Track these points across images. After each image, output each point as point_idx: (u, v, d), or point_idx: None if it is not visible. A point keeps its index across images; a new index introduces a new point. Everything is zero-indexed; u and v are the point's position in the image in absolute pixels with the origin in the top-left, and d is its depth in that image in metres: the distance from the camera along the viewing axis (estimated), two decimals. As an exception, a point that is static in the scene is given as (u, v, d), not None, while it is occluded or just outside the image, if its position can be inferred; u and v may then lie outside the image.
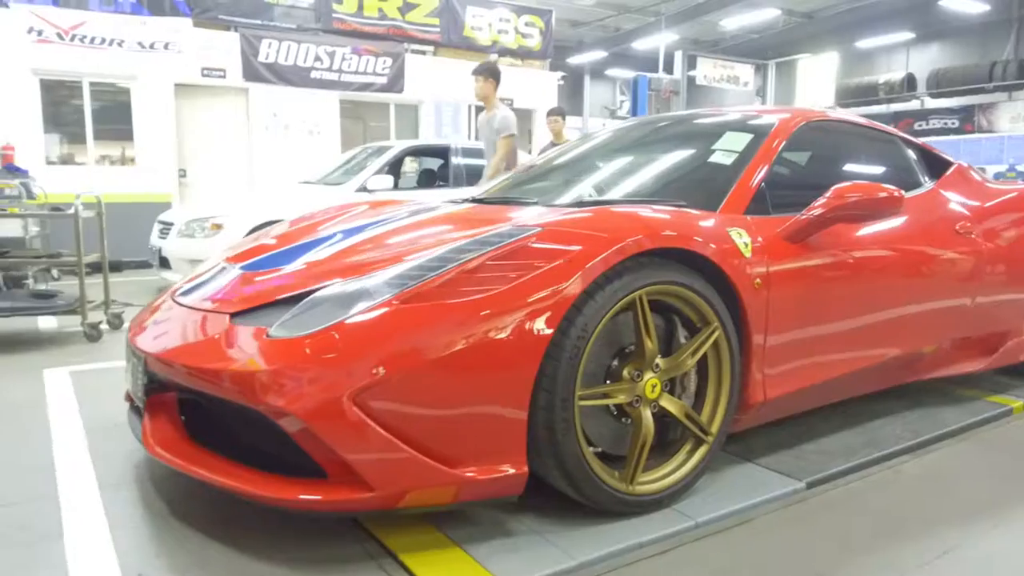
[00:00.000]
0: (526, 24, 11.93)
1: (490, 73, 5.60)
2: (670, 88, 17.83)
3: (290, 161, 9.67)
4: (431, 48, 11.26)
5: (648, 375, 2.02)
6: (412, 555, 1.79)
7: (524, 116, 12.33)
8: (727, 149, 2.65)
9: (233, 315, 1.94)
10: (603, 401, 1.96)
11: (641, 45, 20.10)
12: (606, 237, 1.89)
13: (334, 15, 10.22)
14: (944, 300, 2.80)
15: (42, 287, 5.91)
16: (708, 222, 2.18)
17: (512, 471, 1.79)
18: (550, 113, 7.25)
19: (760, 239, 2.23)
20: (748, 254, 2.16)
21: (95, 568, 1.74)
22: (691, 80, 19.03)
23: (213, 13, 9.46)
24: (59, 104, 8.92)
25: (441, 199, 3.14)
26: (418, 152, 8.06)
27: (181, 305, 2.17)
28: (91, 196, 7.55)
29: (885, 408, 2.98)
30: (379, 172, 6.77)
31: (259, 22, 9.70)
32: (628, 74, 20.68)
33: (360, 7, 10.39)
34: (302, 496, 1.70)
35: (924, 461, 2.49)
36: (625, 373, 2.00)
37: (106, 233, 4.97)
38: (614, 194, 2.67)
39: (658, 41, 18.57)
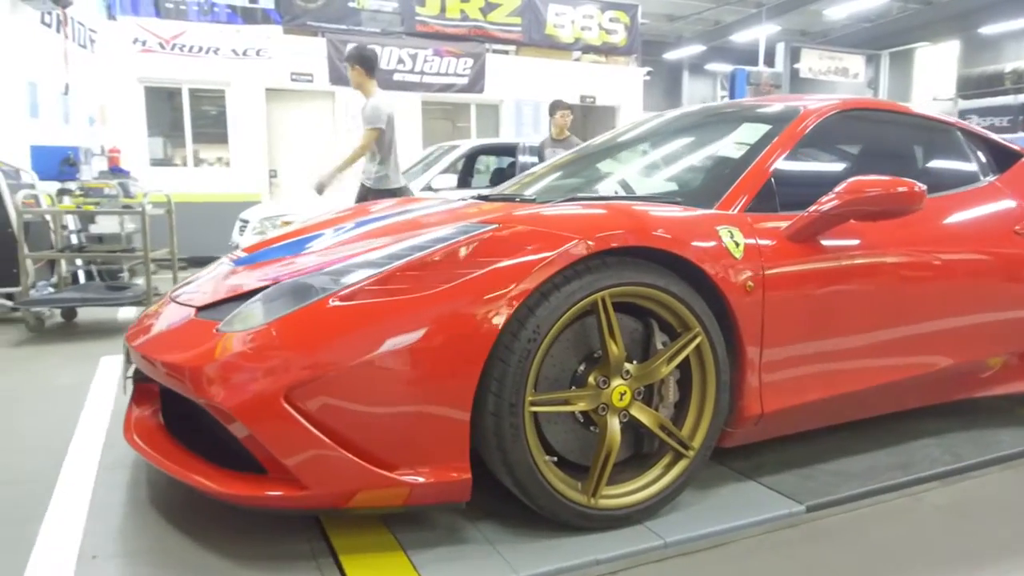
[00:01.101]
0: (610, 20, 11.72)
1: (357, 60, 4.88)
2: (770, 82, 17.07)
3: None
4: (512, 48, 11.27)
5: (616, 382, 1.89)
6: (352, 556, 1.76)
7: (608, 113, 12.14)
8: (740, 142, 2.46)
9: (199, 309, 1.98)
10: (562, 408, 1.85)
11: (741, 38, 19.34)
12: (561, 235, 1.78)
13: (417, 18, 10.42)
14: (997, 309, 2.48)
15: (131, 280, 6.34)
16: (693, 220, 2.03)
17: (454, 477, 1.72)
18: (557, 107, 6.52)
19: (758, 239, 2.05)
20: (738, 255, 1.99)
21: (56, 549, 1.81)
22: (795, 73, 18.13)
23: (302, 20, 9.86)
24: (161, 109, 9.56)
25: (458, 197, 3.10)
26: (485, 151, 8.06)
27: (172, 300, 2.23)
28: (192, 195, 8.03)
29: (933, 427, 2.69)
30: (444, 171, 6.83)
31: (345, 27, 10.02)
32: (728, 68, 19.94)
33: (442, 9, 10.54)
34: (240, 492, 1.70)
35: (954, 490, 2.21)
36: (591, 379, 1.89)
37: (177, 230, 5.29)
38: (611, 190, 2.54)
39: (759, 33, 17.79)
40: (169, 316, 2.08)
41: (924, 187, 2.06)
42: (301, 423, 1.62)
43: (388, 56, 10.19)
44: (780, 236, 2.10)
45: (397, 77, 10.29)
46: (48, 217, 5.41)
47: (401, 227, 2.25)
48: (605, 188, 2.62)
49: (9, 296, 4.95)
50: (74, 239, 6.37)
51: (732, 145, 2.47)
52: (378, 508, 1.81)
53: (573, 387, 1.90)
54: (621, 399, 1.89)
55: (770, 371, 2.08)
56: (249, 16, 9.63)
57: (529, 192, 2.89)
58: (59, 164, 6.08)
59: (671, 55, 22.44)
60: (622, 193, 2.54)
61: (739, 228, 2.04)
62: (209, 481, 1.73)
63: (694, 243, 1.92)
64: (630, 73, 12.11)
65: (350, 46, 5.17)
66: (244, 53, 9.53)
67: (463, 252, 1.76)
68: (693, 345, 1.94)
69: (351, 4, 10.01)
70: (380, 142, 4.87)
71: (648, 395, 1.99)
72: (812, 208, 2.09)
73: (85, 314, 5.09)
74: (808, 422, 2.29)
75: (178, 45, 9.18)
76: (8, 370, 3.70)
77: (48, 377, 3.52)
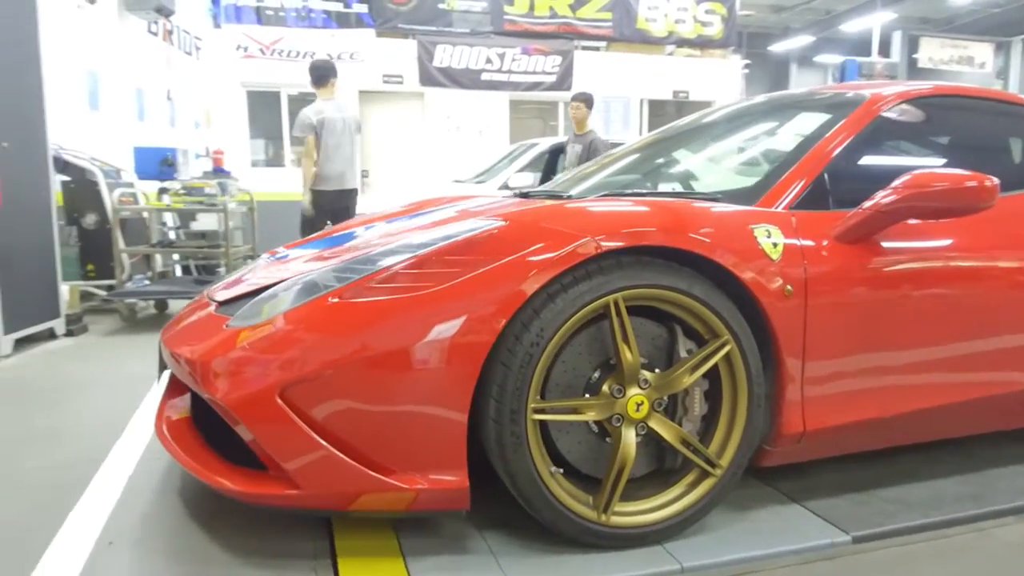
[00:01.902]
0: (706, 12, 11.31)
1: (313, 70, 5.40)
2: (884, 73, 15.99)
3: (461, 160, 10.03)
4: (603, 43, 11.08)
5: (632, 391, 1.76)
6: (350, 559, 1.73)
7: (702, 109, 11.73)
8: (796, 134, 2.26)
9: (219, 304, 2.00)
10: (570, 417, 1.74)
11: (853, 27, 18.20)
12: (569, 233, 1.67)
13: (505, 17, 10.42)
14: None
15: (225, 275, 6.66)
16: (723, 217, 1.86)
17: (452, 484, 1.65)
18: (572, 99, 6.29)
19: (800, 239, 1.86)
20: (776, 256, 1.81)
21: (79, 533, 1.87)
22: (913, 63, 16.89)
23: (394, 23, 10.08)
24: (262, 112, 10.03)
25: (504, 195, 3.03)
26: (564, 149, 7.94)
27: (207, 294, 2.28)
28: (289, 194, 8.34)
29: (1014, 454, 2.38)
30: (521, 169, 6.79)
31: (435, 28, 10.16)
32: (839, 60, 18.84)
33: (531, 7, 10.51)
34: (240, 487, 1.69)
35: (1034, 528, 1.94)
36: (605, 387, 1.77)
37: (258, 227, 5.52)
38: (652, 186, 2.39)
39: (873, 22, 16.69)
40: (197, 310, 2.12)
41: (996, 182, 1.80)
42: (294, 421, 1.59)
43: (476, 56, 10.26)
44: (828, 236, 1.90)
45: (485, 77, 10.34)
46: (145, 214, 5.76)
47: (427, 226, 2.20)
48: (648, 184, 2.47)
49: (109, 288, 5.30)
50: (172, 235, 6.78)
51: (786, 137, 2.26)
52: (381, 512, 1.77)
53: (587, 395, 1.79)
54: (638, 410, 1.76)
55: (814, 385, 1.88)
56: (344, 21, 9.95)
57: (576, 189, 2.77)
58: (158, 164, 6.46)
59: (777, 47, 21.42)
60: (665, 189, 2.38)
61: (779, 227, 1.86)
62: (213, 474, 1.74)
63: (721, 242, 1.76)
64: (726, 66, 11.64)
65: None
66: (338, 57, 9.83)
67: (465, 250, 1.69)
68: (721, 354, 1.78)
69: (441, 5, 10.14)
70: (318, 148, 5.13)
71: (672, 407, 1.85)
72: (866, 204, 1.87)
73: (177, 306, 5.38)
74: (861, 443, 2.07)
75: (277, 50, 9.60)
76: (91, 357, 3.95)
77: (124, 365, 3.72)
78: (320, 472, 1.62)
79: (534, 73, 10.51)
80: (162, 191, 6.42)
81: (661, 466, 1.88)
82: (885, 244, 1.93)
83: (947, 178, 1.83)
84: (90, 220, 5.39)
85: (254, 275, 2.22)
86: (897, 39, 16.46)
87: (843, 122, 2.14)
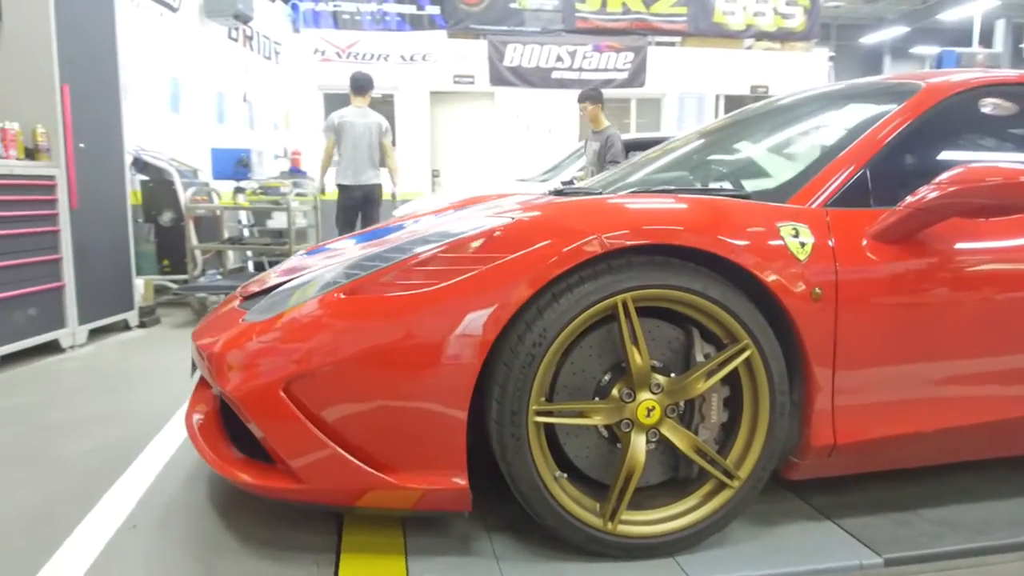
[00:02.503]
0: (787, 3, 10.87)
1: (353, 80, 6.00)
2: (985, 64, 14.94)
3: (530, 159, 10.02)
4: (677, 39, 10.82)
5: (643, 396, 1.69)
6: (352, 555, 1.73)
7: (782, 105, 11.27)
8: (840, 126, 2.12)
9: (244, 298, 2.05)
10: (576, 421, 1.68)
11: (951, 16, 17.11)
12: (577, 231, 1.62)
13: (577, 15, 10.34)
14: None
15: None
16: (745, 213, 1.76)
17: (451, 485, 1.62)
18: (578, 100, 6.19)
19: (833, 238, 1.74)
20: (803, 256, 1.70)
21: (110, 513, 1.96)
22: (1018, 53, 15.74)
23: (465, 23, 10.16)
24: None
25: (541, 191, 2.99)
26: (633, 146, 7.80)
27: (240, 291, 2.34)
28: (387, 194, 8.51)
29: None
30: (584, 167, 6.70)
31: (506, 28, 10.19)
32: (936, 51, 17.76)
33: (603, 4, 10.38)
34: (247, 479, 1.73)
35: (1099, 561, 1.74)
36: (615, 391, 1.70)
37: (321, 225, 5.67)
38: (691, 183, 2.29)
39: (973, 10, 15.65)
40: (226, 306, 2.18)
41: (1055, 176, 1.63)
42: (295, 414, 1.61)
43: (546, 55, 10.22)
44: (864, 235, 1.77)
45: (555, 75, 10.29)
46: (217, 212, 6.02)
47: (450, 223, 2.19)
48: (689, 181, 2.37)
49: (183, 282, 5.57)
50: (247, 232, 7.06)
51: (830, 131, 2.13)
52: (388, 510, 1.76)
53: (596, 398, 1.73)
54: (648, 415, 1.68)
55: (846, 395, 1.75)
56: (417, 23, 10.11)
57: (612, 187, 2.70)
58: (234, 165, 6.73)
59: (869, 39, 20.39)
60: (702, 186, 2.28)
61: (809, 225, 1.75)
62: (227, 466, 1.78)
63: (739, 241, 1.66)
64: (809, 60, 11.16)
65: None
66: (411, 58, 10.01)
67: (471, 248, 1.66)
68: (740, 360, 1.69)
69: (512, 5, 10.16)
70: (338, 147, 5.84)
71: (689, 414, 1.77)
72: (907, 201, 1.73)
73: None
74: (901, 459, 1.92)
75: (353, 53, 9.85)
76: (158, 347, 4.15)
77: (187, 355, 3.88)
78: (322, 468, 1.62)
79: (605, 70, 10.37)
80: (237, 190, 6.69)
81: (676, 475, 1.80)
82: (928, 245, 1.78)
83: (999, 172, 1.67)
84: (166, 218, 5.68)
85: (282, 270, 2.26)
86: (1000, 28, 15.37)
87: (891, 114, 1.99)
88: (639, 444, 1.69)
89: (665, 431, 1.71)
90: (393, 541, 1.79)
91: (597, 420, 1.68)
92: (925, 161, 2.01)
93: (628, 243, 1.60)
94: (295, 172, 9.20)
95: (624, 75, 10.42)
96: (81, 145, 4.10)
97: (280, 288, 1.89)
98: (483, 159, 10.51)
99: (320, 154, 6.05)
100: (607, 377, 1.73)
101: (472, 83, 10.18)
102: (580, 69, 10.31)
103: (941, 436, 1.83)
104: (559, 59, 10.26)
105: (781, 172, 2.06)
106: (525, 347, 1.60)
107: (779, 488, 2.07)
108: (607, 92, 10.56)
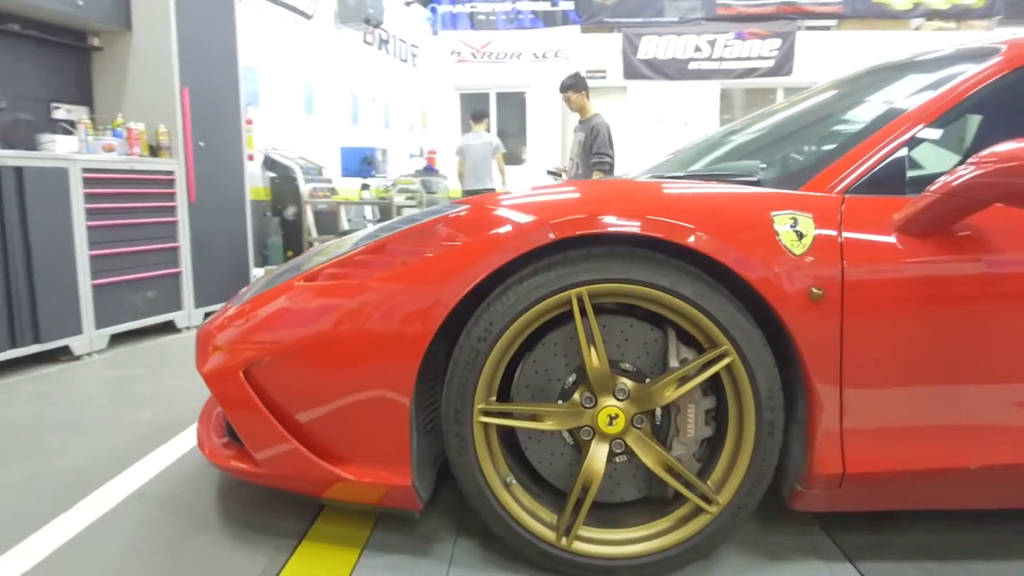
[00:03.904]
0: (965, -24, 9.64)
1: (473, 112, 8.09)
2: None
3: (664, 153, 9.70)
4: (832, 22, 9.96)
5: (606, 402, 1.53)
6: (312, 544, 1.72)
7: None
8: (887, 101, 1.81)
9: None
10: (524, 424, 1.55)
11: None
12: (526, 219, 1.49)
13: (719, 2, 9.82)
14: None
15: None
16: (732, 200, 1.54)
17: (394, 481, 1.56)
18: (561, 89, 5.79)
19: (843, 229, 1.48)
20: (798, 249, 1.46)
21: (131, 480, 2.10)
22: None
23: (599, 17, 10.00)
24: (469, 112, 10.54)
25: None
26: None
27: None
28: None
29: None
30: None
31: (640, 20, 9.90)
32: None
33: (748, -11, 9.78)
34: (215, 458, 1.77)
35: None
36: (576, 395, 1.56)
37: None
38: (707, 167, 2.05)
39: None
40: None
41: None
42: (252, 399, 1.62)
43: (684, 45, 9.81)
44: (884, 226, 1.49)
45: (693, 66, 9.85)
46: (332, 207, 6.35)
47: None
48: (715, 166, 2.13)
49: (303, 272, 5.93)
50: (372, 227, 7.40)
51: (874, 107, 1.82)
52: (356, 504, 1.73)
53: (560, 401, 1.59)
54: (611, 424, 1.52)
55: (857, 417, 1.48)
56: (550, 19, 10.09)
57: (639, 174, 2.49)
58: (360, 163, 7.08)
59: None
60: (720, 172, 2.04)
61: (813, 214, 1.49)
62: (206, 441, 1.84)
63: (716, 231, 1.45)
64: (991, 39, 9.80)
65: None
66: (543, 55, 10.02)
67: (419, 237, 1.58)
68: (717, 367, 1.48)
69: (649, -5, 9.86)
70: (462, 163, 7.64)
71: (667, 426, 1.58)
72: (940, 182, 1.43)
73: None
74: (936, 498, 1.59)
75: (487, 53, 10.03)
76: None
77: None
78: (279, 456, 1.62)
79: (748, 59, 9.77)
80: (364, 187, 7.03)
81: (654, 494, 1.62)
82: (965, 240, 1.46)
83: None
84: (290, 212, 6.08)
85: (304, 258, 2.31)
86: None
87: (950, 85, 1.66)
88: (599, 454, 1.53)
89: (630, 442, 1.54)
90: (358, 534, 1.76)
91: (549, 424, 1.54)
92: (989, 140, 1.66)
93: (578, 232, 1.45)
94: (429, 171, 9.54)
95: (769, 63, 9.75)
96: (201, 143, 4.48)
97: (271, 274, 1.92)
98: (617, 155, 10.28)
99: (455, 166, 7.76)
100: (572, 379, 1.59)
101: (604, 78, 9.99)
102: (720, 59, 9.79)
103: (983, 475, 1.50)
104: (697, 49, 9.80)
105: (802, 154, 1.79)
106: (470, 341, 1.50)
107: (807, 519, 1.81)
108: (749, 82, 9.95)
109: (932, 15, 9.74)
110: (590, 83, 10.01)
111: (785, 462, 1.60)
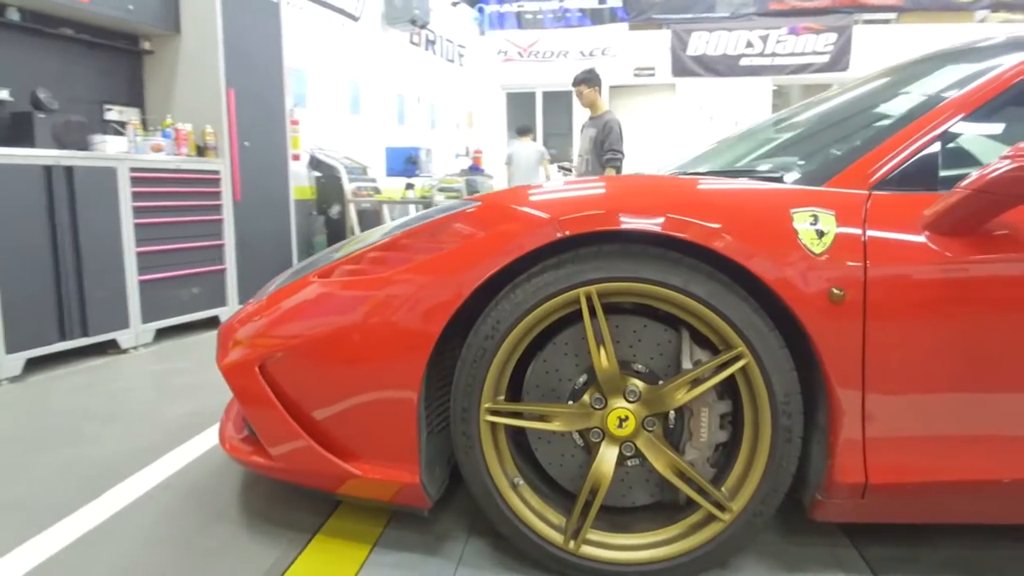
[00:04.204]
0: (1037, -36, 9.17)
1: (519, 126, 8.54)
2: None
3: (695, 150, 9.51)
4: (892, 15, 9.59)
5: (616, 403, 1.49)
6: (325, 539, 1.73)
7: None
8: (926, 91, 1.72)
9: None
10: (532, 424, 1.53)
11: None
12: (534, 216, 1.46)
13: (771, -4, 9.58)
14: None
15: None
16: (751, 197, 1.48)
17: (402, 478, 1.56)
18: (572, 84, 5.48)
19: (868, 227, 1.41)
20: (818, 248, 1.39)
21: (159, 471, 2.15)
22: None
23: (648, 14, 9.86)
24: (518, 113, 10.52)
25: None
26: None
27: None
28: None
29: None
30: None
31: (690, 16, 9.73)
32: None
33: (802, -18, 9.50)
34: (232, 451, 1.80)
35: None
36: (586, 396, 1.52)
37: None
38: (736, 163, 1.99)
39: None
40: (273, 286, 2.29)
41: None
42: (265, 391, 1.64)
43: (735, 41, 9.59)
44: (912, 224, 1.41)
45: (744, 62, 9.62)
46: (375, 205, 6.42)
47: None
48: (737, 162, 2.06)
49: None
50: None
51: (910, 98, 1.73)
52: (367, 501, 1.73)
53: (571, 402, 1.56)
54: (620, 426, 1.48)
55: (881, 424, 1.41)
56: (597, 17, 10.00)
57: (665, 170, 2.43)
58: (404, 162, 7.15)
59: None
60: (758, 168, 1.96)
61: (835, 212, 1.42)
62: (224, 434, 1.87)
63: (731, 228, 1.40)
64: (1066, 29, 9.30)
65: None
66: (590, 53, 9.94)
67: (429, 234, 1.57)
68: (731, 370, 1.43)
69: (699, -9, 9.67)
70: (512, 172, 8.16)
71: (681, 429, 1.53)
72: (971, 177, 1.34)
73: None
74: (967, 512, 1.50)
75: (533, 52, 10.00)
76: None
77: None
78: (292, 450, 1.64)
79: (802, 54, 9.49)
80: (408, 186, 7.09)
81: (664, 498, 1.57)
82: (1001, 240, 1.37)
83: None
84: (335, 210, 6.17)
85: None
86: None
87: (995, 72, 1.57)
88: (608, 457, 1.50)
89: (641, 445, 1.49)
90: (371, 531, 1.77)
91: (557, 425, 1.51)
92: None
93: (586, 229, 1.42)
94: (475, 170, 9.57)
95: (824, 59, 9.46)
96: (246, 143, 4.58)
97: (292, 269, 1.94)
98: (664, 153, 10.13)
99: (504, 174, 8.29)
100: (583, 379, 1.55)
101: (653, 75, 9.85)
102: (773, 54, 9.54)
103: (1018, 489, 1.40)
104: (749, 45, 9.58)
105: (839, 150, 1.71)
106: (478, 339, 1.49)
107: (834, 530, 1.74)
108: (803, 78, 9.66)
109: (997, 6, 9.28)
110: (638, 81, 9.92)
111: (806, 470, 1.54)
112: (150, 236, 3.87)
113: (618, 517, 1.59)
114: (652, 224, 1.40)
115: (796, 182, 1.60)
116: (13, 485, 2.08)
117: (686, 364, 1.48)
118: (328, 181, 6.17)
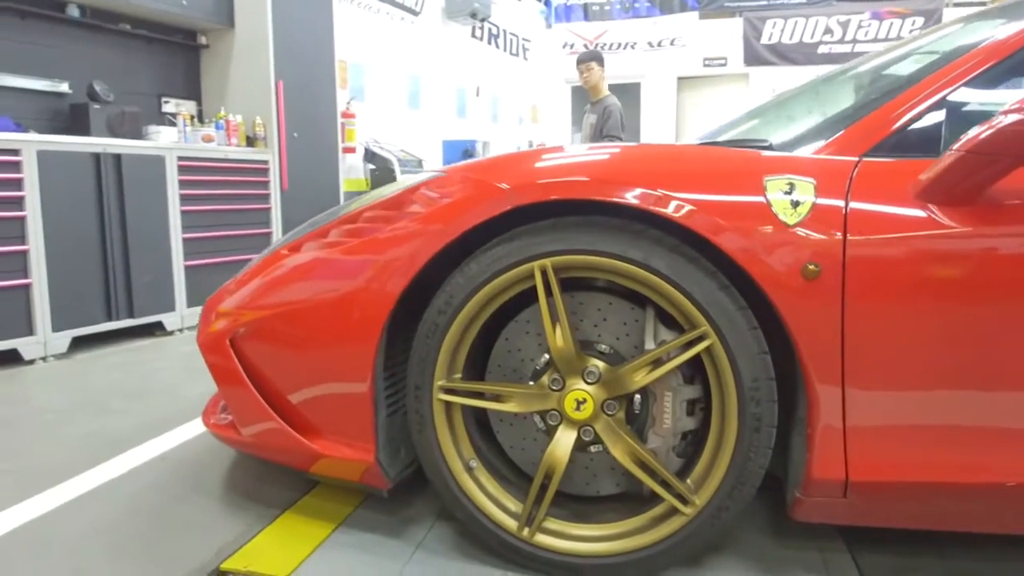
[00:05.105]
0: None
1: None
2: None
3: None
4: (988, -4, 8.90)
5: (574, 385, 1.40)
6: (294, 515, 1.72)
7: None
8: (930, 51, 1.54)
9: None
10: (486, 404, 1.45)
11: None
12: (490, 185, 1.39)
13: (853, -21, 9.07)
14: None
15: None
16: (722, 165, 1.36)
17: (356, 456, 1.52)
18: (579, 59, 5.18)
19: (853, 198, 1.26)
20: (792, 220, 1.26)
21: (161, 443, 2.20)
22: None
23: (719, 2, 9.53)
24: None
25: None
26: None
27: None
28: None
29: None
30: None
31: (765, 3, 9.34)
32: None
33: (887, -37, 8.96)
34: (207, 423, 1.81)
35: None
36: (545, 377, 1.44)
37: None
38: (745, 133, 1.84)
39: None
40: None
41: None
42: (234, 363, 1.64)
43: (812, 28, 9.15)
44: (901, 194, 1.26)
45: (822, 50, 9.16)
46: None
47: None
48: (750, 132, 1.91)
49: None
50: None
51: (916, 61, 1.55)
52: (338, 481, 1.71)
53: (532, 383, 1.48)
54: (578, 409, 1.39)
55: (861, 415, 1.27)
56: (667, 6, 9.74)
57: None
58: (460, 155, 7.16)
59: None
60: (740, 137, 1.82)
61: (816, 179, 1.29)
62: (209, 414, 1.88)
63: (693, 199, 1.28)
64: None
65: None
66: (659, 44, 9.70)
67: (394, 206, 1.52)
68: (695, 351, 1.31)
69: (775, -23, 9.27)
70: None
71: (646, 415, 1.43)
72: (964, 139, 1.18)
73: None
74: (964, 518, 1.32)
75: (600, 44, 9.84)
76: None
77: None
78: (250, 417, 1.63)
79: (887, 40, 8.94)
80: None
81: (632, 489, 1.47)
82: (999, 207, 1.20)
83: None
84: (388, 202, 6.23)
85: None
86: None
87: (1006, 35, 1.39)
88: (564, 441, 1.41)
89: (599, 430, 1.40)
90: (341, 511, 1.74)
91: (511, 406, 1.44)
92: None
93: (540, 198, 1.34)
94: (537, 163, 9.44)
95: (911, 44, 8.87)
96: (295, 134, 4.68)
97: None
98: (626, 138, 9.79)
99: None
100: (545, 359, 1.47)
101: (724, 65, 9.52)
102: (854, 40, 9.04)
103: (1020, 492, 1.23)
104: (828, 31, 9.11)
105: (839, 116, 1.55)
106: (431, 314, 1.43)
107: (830, 534, 1.59)
108: (889, 66, 9.12)
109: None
110: (708, 72, 9.60)
111: (787, 466, 1.41)
112: (197, 223, 4.00)
113: (583, 506, 1.50)
114: (613, 194, 1.31)
115: (786, 149, 1.47)
116: (30, 452, 2.17)
117: (649, 344, 1.37)
118: (382, 173, 6.24)
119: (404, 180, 1.64)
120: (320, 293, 1.50)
